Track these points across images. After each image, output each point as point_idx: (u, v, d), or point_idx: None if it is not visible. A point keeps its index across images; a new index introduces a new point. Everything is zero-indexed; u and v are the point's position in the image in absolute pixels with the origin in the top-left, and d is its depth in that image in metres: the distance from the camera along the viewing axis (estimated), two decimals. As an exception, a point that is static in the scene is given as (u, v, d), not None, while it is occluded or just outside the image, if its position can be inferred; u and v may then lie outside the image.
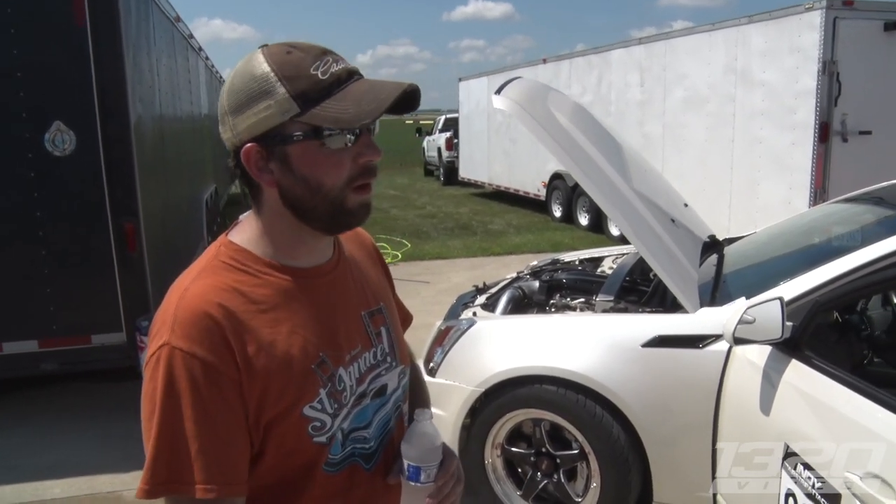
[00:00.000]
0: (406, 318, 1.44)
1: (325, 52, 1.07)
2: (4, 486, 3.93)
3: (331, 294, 1.18)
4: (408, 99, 1.09)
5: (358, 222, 1.13)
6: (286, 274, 1.13)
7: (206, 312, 1.03)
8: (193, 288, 1.07)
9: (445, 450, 1.22)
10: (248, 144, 1.06)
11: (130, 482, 3.91)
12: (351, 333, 1.18)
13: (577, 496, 3.19)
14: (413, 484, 1.18)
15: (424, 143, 23.94)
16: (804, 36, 7.11)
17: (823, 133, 7.00)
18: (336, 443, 1.13)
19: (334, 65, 1.05)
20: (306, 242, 1.14)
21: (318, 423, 1.10)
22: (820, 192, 7.02)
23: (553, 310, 3.75)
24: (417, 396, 1.43)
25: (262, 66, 1.04)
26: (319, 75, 1.03)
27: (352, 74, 1.07)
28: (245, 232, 1.15)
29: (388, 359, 1.25)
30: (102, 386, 5.12)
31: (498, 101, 3.36)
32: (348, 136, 1.05)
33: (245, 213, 1.17)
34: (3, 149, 4.18)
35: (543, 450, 3.25)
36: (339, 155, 1.06)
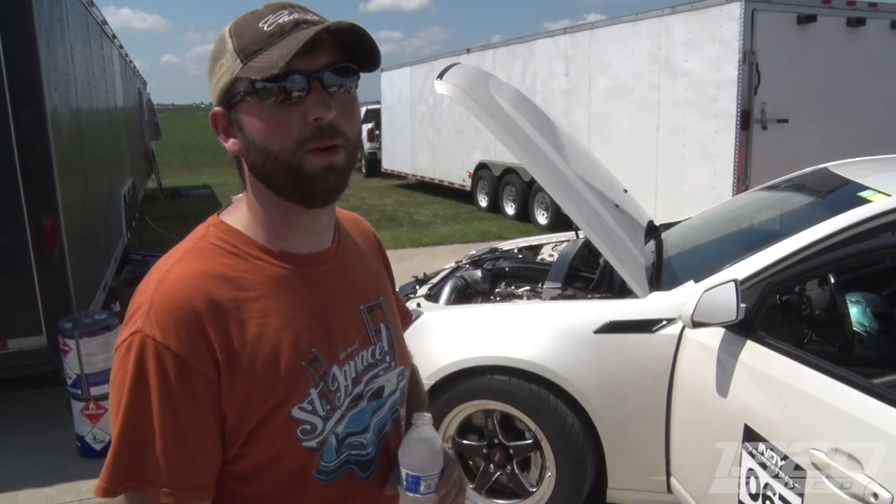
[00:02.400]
0: (405, 316, 1.34)
1: (283, 7, 0.98)
2: None
3: (329, 285, 1.07)
4: (357, 45, 0.97)
5: (326, 189, 0.98)
6: (281, 260, 1.03)
7: (187, 301, 0.93)
8: (176, 271, 0.97)
9: (446, 456, 1.13)
10: (215, 109, 1.00)
11: (56, 496, 3.64)
12: (348, 329, 1.08)
13: (532, 486, 3.16)
14: (412, 495, 1.08)
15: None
16: (725, 27, 7.30)
17: (745, 121, 7.22)
18: (329, 448, 1.03)
19: (286, 16, 0.96)
20: (296, 222, 1.03)
21: (307, 427, 1.00)
22: (743, 179, 7.24)
23: (498, 298, 3.72)
24: (415, 400, 1.32)
25: (228, 27, 0.99)
26: (265, 27, 0.95)
27: (298, 24, 0.95)
28: (236, 212, 1.06)
29: (388, 358, 1.15)
30: (23, 393, 4.74)
31: (441, 87, 3.28)
32: (294, 90, 0.93)
33: (239, 195, 1.07)
34: None
35: (496, 441, 3.20)
36: (282, 113, 0.94)
